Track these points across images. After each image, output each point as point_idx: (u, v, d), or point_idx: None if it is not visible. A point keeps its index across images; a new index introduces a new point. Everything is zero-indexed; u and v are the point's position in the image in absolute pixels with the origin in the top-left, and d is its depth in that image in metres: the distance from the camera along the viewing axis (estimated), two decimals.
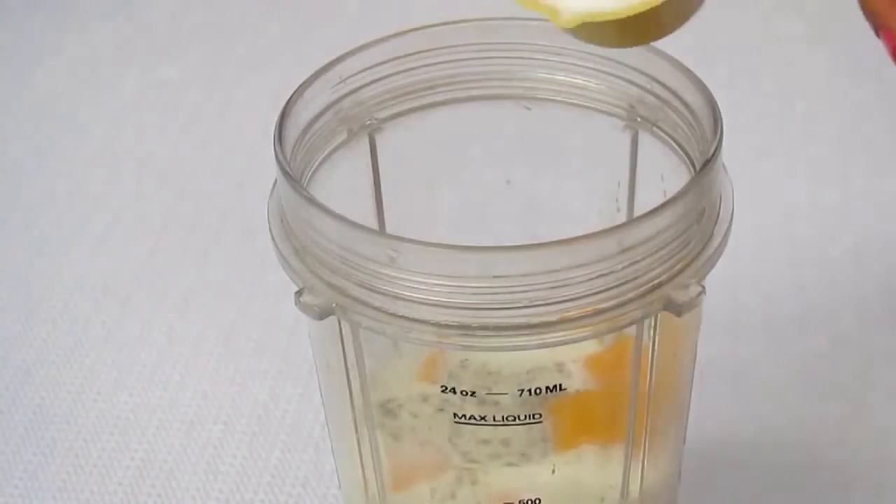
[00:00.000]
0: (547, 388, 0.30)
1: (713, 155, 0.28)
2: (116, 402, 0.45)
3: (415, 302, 0.26)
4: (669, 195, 0.28)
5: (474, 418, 0.30)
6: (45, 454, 0.43)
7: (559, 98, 0.34)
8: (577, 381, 0.31)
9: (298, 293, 0.28)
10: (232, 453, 0.43)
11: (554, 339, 0.27)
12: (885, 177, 0.54)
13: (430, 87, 0.34)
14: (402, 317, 0.27)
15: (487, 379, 0.30)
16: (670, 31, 0.26)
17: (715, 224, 0.29)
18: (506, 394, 0.30)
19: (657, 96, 0.32)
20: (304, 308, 0.28)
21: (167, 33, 0.68)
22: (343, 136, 0.33)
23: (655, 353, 0.30)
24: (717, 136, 0.29)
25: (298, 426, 0.44)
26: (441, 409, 0.31)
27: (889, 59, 0.31)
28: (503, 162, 0.37)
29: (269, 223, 0.30)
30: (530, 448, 0.31)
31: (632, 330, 0.29)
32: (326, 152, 0.33)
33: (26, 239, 0.53)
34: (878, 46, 0.31)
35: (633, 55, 0.32)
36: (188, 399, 0.45)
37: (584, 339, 0.28)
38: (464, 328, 0.27)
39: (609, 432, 0.32)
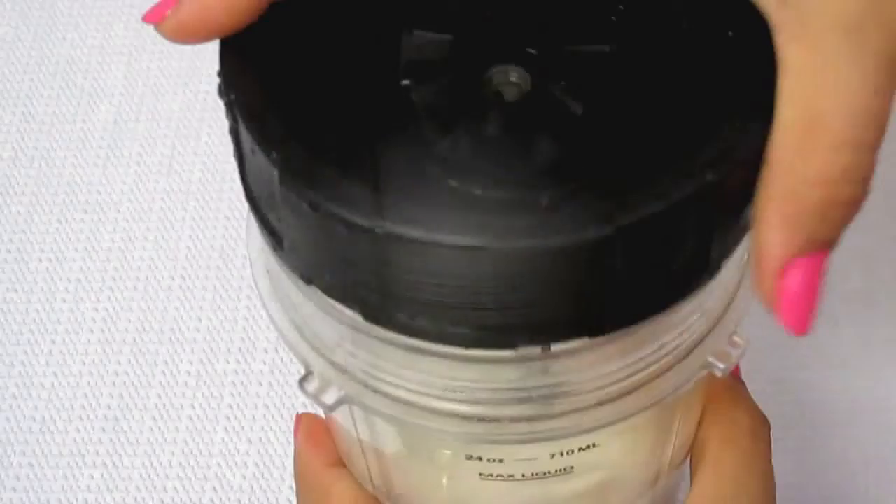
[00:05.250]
0: (580, 448, 0.28)
1: None
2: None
3: (438, 398, 0.24)
4: None
5: (501, 476, 0.28)
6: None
7: None
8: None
9: (303, 379, 0.25)
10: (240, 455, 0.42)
11: (589, 424, 0.24)
12: None
13: None
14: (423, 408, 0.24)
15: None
16: None
17: None
18: (536, 458, 0.28)
19: None
20: (311, 398, 0.25)
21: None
22: None
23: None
24: None
25: None
26: (464, 468, 0.29)
27: None
28: None
29: (255, 284, 0.27)
30: (559, 496, 0.29)
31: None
32: None
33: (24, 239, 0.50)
34: None
35: None
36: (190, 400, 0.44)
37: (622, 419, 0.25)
38: (492, 420, 0.24)
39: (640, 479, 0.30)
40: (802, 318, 0.22)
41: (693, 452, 0.30)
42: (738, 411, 0.29)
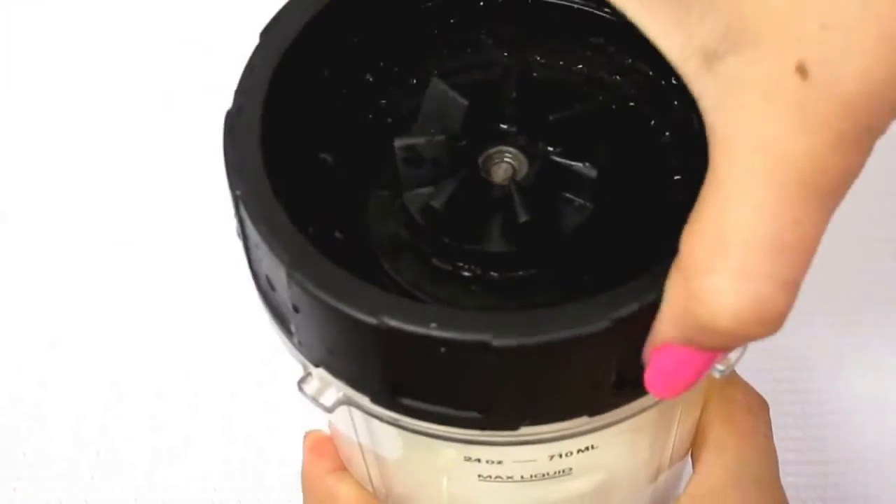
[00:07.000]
0: (578, 449, 0.28)
1: None
2: None
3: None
4: None
5: (500, 478, 0.28)
6: None
7: None
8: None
9: (302, 380, 0.25)
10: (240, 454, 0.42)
11: (588, 426, 0.24)
12: None
13: None
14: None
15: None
16: None
17: None
18: (535, 460, 0.27)
19: None
20: (310, 399, 0.25)
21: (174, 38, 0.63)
22: None
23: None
24: None
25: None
26: (464, 469, 0.28)
27: None
28: None
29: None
30: (558, 497, 0.29)
31: None
32: None
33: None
34: None
35: None
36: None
37: (620, 421, 0.25)
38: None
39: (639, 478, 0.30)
40: (660, 389, 0.22)
41: (695, 439, 0.30)
42: (735, 389, 0.29)
